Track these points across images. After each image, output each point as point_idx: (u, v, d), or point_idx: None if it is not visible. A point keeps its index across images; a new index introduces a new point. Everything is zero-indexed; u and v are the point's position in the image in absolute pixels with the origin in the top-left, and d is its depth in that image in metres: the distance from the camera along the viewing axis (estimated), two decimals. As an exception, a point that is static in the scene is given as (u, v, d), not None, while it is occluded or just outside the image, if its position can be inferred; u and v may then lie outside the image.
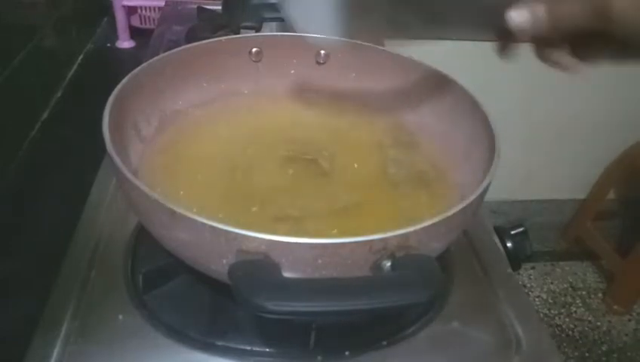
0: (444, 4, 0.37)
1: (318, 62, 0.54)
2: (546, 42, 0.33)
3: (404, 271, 0.29)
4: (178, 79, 0.49)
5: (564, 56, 0.34)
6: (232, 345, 0.38)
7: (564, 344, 1.44)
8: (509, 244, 0.49)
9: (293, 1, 0.39)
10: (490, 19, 0.35)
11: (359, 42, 0.54)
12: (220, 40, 0.51)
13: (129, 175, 0.32)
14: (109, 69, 0.86)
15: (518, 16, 0.32)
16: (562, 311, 1.54)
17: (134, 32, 0.95)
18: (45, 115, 0.69)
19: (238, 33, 0.59)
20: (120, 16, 0.92)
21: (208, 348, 0.37)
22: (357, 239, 0.29)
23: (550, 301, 1.56)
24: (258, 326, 0.39)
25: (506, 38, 0.35)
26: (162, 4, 0.93)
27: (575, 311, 1.54)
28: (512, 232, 0.50)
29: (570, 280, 1.64)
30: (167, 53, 0.47)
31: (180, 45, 0.48)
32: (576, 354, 1.42)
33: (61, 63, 0.79)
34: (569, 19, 0.31)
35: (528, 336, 0.41)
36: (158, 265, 0.41)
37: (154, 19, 0.95)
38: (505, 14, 0.33)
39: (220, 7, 0.80)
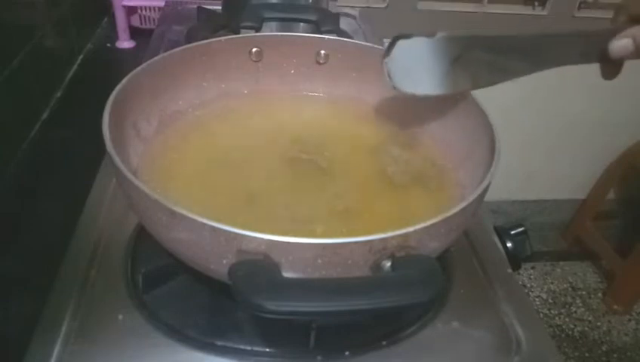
0: (551, 45, 0.38)
1: (318, 62, 0.54)
2: None
3: (404, 271, 0.29)
4: (178, 79, 0.49)
5: None
6: (232, 345, 0.38)
7: (564, 344, 1.44)
8: (509, 244, 0.49)
9: (395, 57, 0.40)
10: (592, 49, 0.36)
11: (360, 43, 0.54)
12: (220, 40, 0.51)
13: (129, 175, 0.32)
14: (109, 69, 0.86)
15: (621, 46, 0.34)
16: (562, 311, 1.54)
17: (134, 32, 0.95)
18: (45, 115, 0.69)
19: (238, 33, 0.59)
20: (120, 16, 0.92)
21: (208, 347, 0.37)
22: (357, 239, 0.29)
23: (550, 301, 1.56)
24: (258, 326, 0.39)
25: (610, 62, 0.37)
26: (162, 4, 0.93)
27: (575, 311, 1.54)
28: (512, 232, 0.50)
29: (570, 280, 1.64)
30: (167, 53, 0.47)
31: (179, 45, 0.48)
32: (576, 354, 1.42)
33: (61, 63, 0.79)
34: None
35: (528, 336, 0.41)
36: (158, 265, 0.41)
37: (154, 19, 0.95)
38: (608, 44, 0.34)
39: (220, 7, 0.80)
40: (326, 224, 0.40)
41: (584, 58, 0.38)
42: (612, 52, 0.35)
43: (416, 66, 0.41)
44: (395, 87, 0.42)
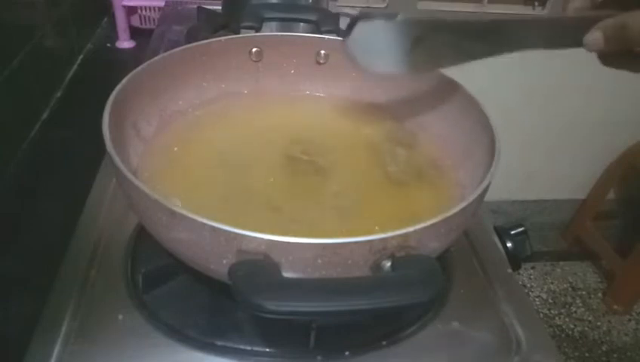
0: (513, 29, 0.38)
1: (318, 62, 0.54)
2: (615, 53, 0.35)
3: (404, 271, 0.29)
4: (178, 79, 0.49)
5: (630, 61, 0.36)
6: (232, 345, 0.38)
7: (564, 344, 1.44)
8: (509, 244, 0.49)
9: (355, 37, 0.41)
10: (557, 36, 0.36)
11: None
12: (220, 40, 0.51)
13: (129, 175, 0.32)
14: (109, 68, 0.86)
15: (593, 39, 0.34)
16: (562, 311, 1.54)
17: (134, 32, 0.95)
18: (45, 115, 0.69)
19: (238, 33, 0.59)
20: (120, 16, 0.92)
21: (208, 347, 0.37)
22: (357, 239, 0.29)
23: (550, 301, 1.56)
24: (258, 326, 0.39)
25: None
26: (162, 4, 0.93)
27: (575, 311, 1.54)
28: (512, 232, 0.50)
29: (570, 280, 1.64)
30: (167, 53, 0.47)
31: (179, 45, 0.48)
32: (576, 354, 1.42)
33: (61, 63, 0.79)
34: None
35: (528, 336, 0.41)
36: (158, 265, 0.41)
37: (154, 19, 0.95)
38: (580, 35, 0.35)
39: (220, 7, 0.80)
40: (326, 224, 0.40)
41: (548, 44, 0.38)
42: (586, 45, 0.35)
43: (378, 46, 0.41)
44: (358, 66, 0.42)
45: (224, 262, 0.30)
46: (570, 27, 0.36)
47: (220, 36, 0.52)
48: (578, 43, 0.35)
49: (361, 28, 0.41)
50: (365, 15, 0.41)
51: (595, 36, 0.34)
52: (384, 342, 0.39)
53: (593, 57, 0.37)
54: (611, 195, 1.66)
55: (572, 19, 0.36)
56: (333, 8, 0.84)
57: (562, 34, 0.37)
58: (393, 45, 0.40)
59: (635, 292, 1.53)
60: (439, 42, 0.40)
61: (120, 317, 0.38)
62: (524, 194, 1.67)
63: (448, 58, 0.42)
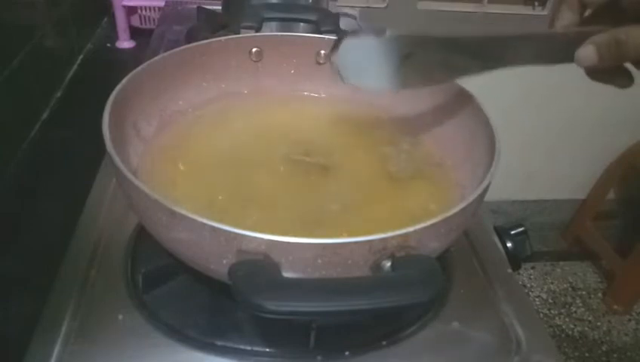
0: (504, 46, 0.38)
1: (318, 62, 0.54)
2: (605, 68, 0.35)
3: (404, 271, 0.29)
4: (178, 79, 0.49)
5: (618, 76, 0.35)
6: (231, 345, 0.38)
7: (564, 344, 1.44)
8: (509, 244, 0.49)
9: (343, 53, 0.40)
10: (546, 51, 0.36)
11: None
12: (220, 40, 0.51)
13: (129, 175, 0.32)
14: (109, 69, 0.86)
15: (585, 56, 0.34)
16: (562, 311, 1.54)
17: (134, 32, 0.95)
18: (45, 115, 0.69)
19: (238, 33, 0.59)
20: (120, 16, 0.92)
21: (208, 347, 0.37)
22: (357, 239, 0.29)
23: (550, 301, 1.56)
24: (258, 326, 0.39)
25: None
26: (162, 4, 0.93)
27: (575, 311, 1.54)
28: (512, 232, 0.50)
29: (570, 280, 1.64)
30: (167, 53, 0.47)
31: (179, 45, 0.48)
32: (576, 354, 1.42)
33: (61, 63, 0.79)
34: (635, 50, 0.32)
35: (528, 336, 0.41)
36: (158, 265, 0.41)
37: (154, 19, 0.95)
38: (573, 50, 0.34)
39: (220, 7, 0.80)
40: (326, 224, 0.40)
41: (541, 59, 0.37)
42: (578, 60, 0.34)
43: (366, 63, 0.41)
44: (345, 83, 0.42)
45: (224, 262, 0.30)
46: (563, 43, 0.35)
47: (219, 36, 0.52)
48: (571, 58, 0.35)
49: (347, 45, 0.40)
50: (352, 32, 0.40)
51: (587, 51, 0.34)
52: (384, 342, 0.39)
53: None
54: (611, 195, 1.66)
55: (565, 34, 0.36)
56: (333, 8, 0.84)
57: (556, 49, 0.36)
58: (381, 62, 0.40)
59: (635, 292, 1.53)
60: (429, 58, 0.40)
61: (120, 317, 0.38)
62: (524, 194, 1.67)
63: (439, 74, 0.41)
